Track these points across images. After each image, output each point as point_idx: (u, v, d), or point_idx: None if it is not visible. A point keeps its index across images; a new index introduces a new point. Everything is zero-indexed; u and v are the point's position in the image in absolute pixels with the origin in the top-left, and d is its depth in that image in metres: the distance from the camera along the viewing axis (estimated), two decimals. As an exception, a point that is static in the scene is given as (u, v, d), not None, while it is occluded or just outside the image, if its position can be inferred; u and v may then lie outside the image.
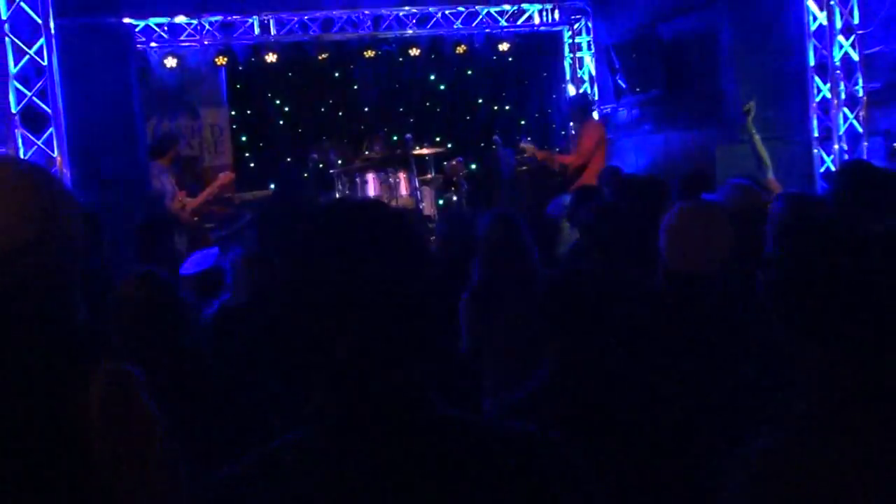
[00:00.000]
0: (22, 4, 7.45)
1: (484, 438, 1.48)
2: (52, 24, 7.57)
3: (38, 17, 7.50)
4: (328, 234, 1.44)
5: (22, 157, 7.43)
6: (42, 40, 7.52)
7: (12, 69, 7.48)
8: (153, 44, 11.53)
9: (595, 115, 11.23)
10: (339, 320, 1.39)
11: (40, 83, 7.55)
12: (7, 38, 7.46)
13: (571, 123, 10.84)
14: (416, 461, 1.41)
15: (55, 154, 7.53)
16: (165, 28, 11.52)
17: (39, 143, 7.53)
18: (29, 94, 7.53)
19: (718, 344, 3.07)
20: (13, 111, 7.48)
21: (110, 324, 2.90)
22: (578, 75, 13.10)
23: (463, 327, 3.88)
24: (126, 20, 10.29)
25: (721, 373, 3.00)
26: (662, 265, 3.34)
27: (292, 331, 1.43)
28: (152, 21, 11.33)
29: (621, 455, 2.46)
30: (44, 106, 7.56)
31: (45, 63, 7.53)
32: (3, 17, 7.43)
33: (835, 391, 1.72)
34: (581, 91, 12.87)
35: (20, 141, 7.49)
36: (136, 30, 10.76)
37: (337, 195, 10.83)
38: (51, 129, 7.56)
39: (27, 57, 7.52)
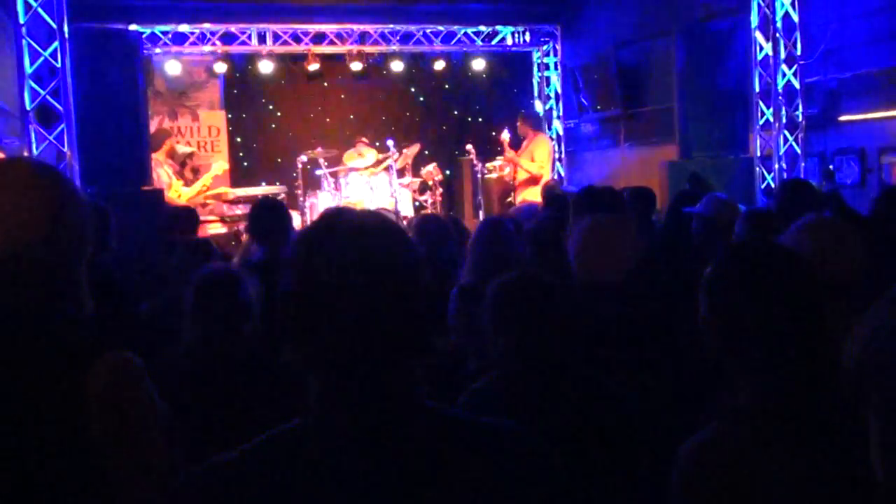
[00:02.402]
0: (39, 10, 7.34)
1: (463, 431, 1.46)
2: (66, 29, 7.46)
3: (54, 21, 7.39)
4: (328, 242, 1.40)
5: (34, 150, 7.34)
6: (56, 43, 7.42)
7: (28, 69, 7.38)
8: (158, 49, 11.45)
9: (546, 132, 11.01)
10: (337, 319, 1.35)
11: (54, 83, 7.44)
12: (24, 41, 7.35)
13: (519, 131, 10.49)
14: (403, 453, 1.38)
15: (65, 149, 7.43)
16: (170, 36, 11.45)
17: (51, 137, 7.43)
18: (43, 92, 7.42)
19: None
20: (28, 108, 7.38)
21: (184, 316, 2.97)
22: (545, 92, 13.14)
23: (449, 321, 3.83)
24: (134, 27, 10.20)
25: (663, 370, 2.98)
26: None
27: (293, 331, 1.39)
28: (158, 29, 11.25)
29: (567, 450, 2.44)
30: (56, 104, 7.45)
31: (59, 64, 7.43)
32: (22, 21, 7.33)
33: (761, 393, 1.72)
34: (547, 107, 12.91)
35: (34, 136, 7.40)
36: (143, 36, 10.62)
37: (322, 193, 10.79)
38: (62, 126, 7.46)
39: (42, 58, 7.41)
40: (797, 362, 1.71)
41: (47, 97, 7.44)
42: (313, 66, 12.08)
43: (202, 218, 9.72)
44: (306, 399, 1.41)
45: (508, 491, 1.42)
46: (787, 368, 1.71)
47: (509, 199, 10.30)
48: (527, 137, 10.19)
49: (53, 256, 1.77)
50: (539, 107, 13.25)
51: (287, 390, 2.88)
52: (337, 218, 1.46)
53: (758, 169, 9.06)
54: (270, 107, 13.08)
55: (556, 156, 12.68)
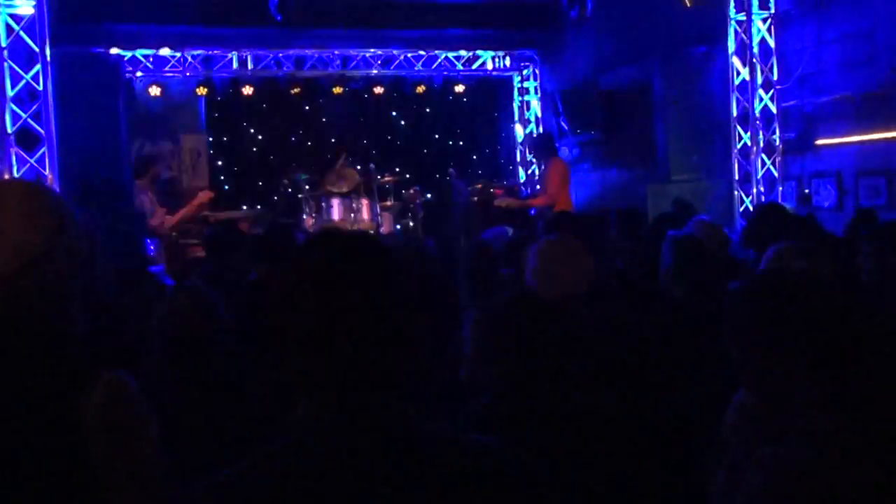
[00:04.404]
0: (21, 33, 7.35)
1: (453, 450, 1.48)
2: (48, 53, 7.46)
3: (36, 45, 7.39)
4: (318, 263, 1.43)
5: (15, 173, 7.32)
6: (38, 67, 7.41)
7: (9, 92, 7.37)
8: (139, 73, 11.48)
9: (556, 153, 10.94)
10: (326, 342, 1.38)
11: (35, 106, 7.43)
12: (5, 64, 7.34)
13: (533, 161, 10.78)
14: (392, 472, 1.40)
15: (47, 172, 7.41)
16: (151, 59, 11.49)
17: (32, 161, 7.40)
18: (24, 115, 7.41)
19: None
20: (9, 131, 7.36)
21: (155, 332, 2.95)
22: (526, 116, 13.25)
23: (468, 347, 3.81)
24: (115, 51, 10.22)
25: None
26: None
27: (281, 350, 1.42)
28: (139, 52, 11.29)
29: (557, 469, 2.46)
30: (38, 127, 7.44)
31: (41, 88, 7.42)
32: (3, 45, 7.32)
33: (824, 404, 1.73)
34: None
35: (14, 159, 7.36)
36: (125, 60, 10.65)
37: (304, 217, 10.79)
38: (43, 149, 7.44)
39: (23, 81, 7.40)
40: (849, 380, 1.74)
41: (28, 120, 7.42)
42: (294, 90, 12.14)
43: (182, 241, 9.71)
44: (286, 417, 1.43)
45: None
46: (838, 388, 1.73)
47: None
48: (543, 164, 10.21)
49: (51, 275, 1.79)
50: (520, 130, 13.36)
51: (255, 410, 2.91)
52: (325, 240, 1.49)
53: (736, 192, 9.16)
54: (252, 130, 13.09)
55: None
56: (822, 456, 1.66)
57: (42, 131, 7.44)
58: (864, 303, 2.70)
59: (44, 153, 7.44)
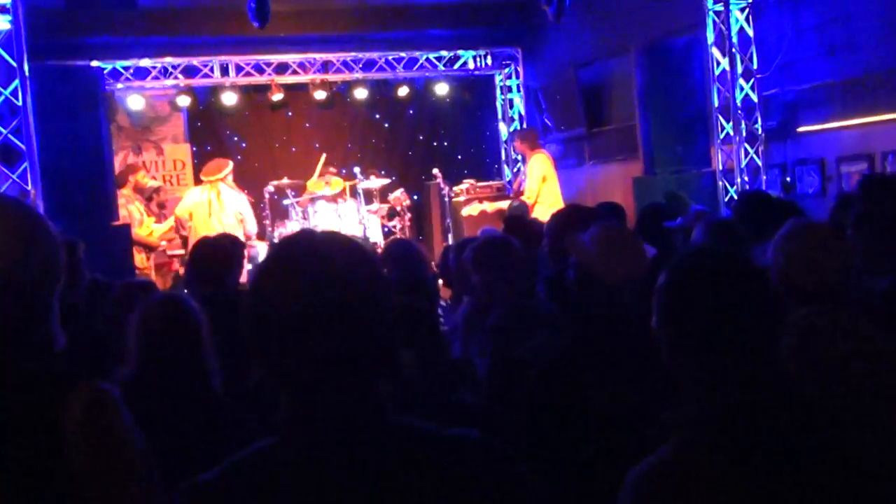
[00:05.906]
0: (-2, 49, 7.33)
1: (430, 444, 1.49)
2: (26, 67, 7.42)
3: (14, 60, 7.35)
4: (292, 262, 1.44)
5: (-3, 190, 7.29)
6: (17, 82, 7.37)
7: (-11, 108, 7.35)
8: (120, 85, 11.46)
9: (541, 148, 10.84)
10: (302, 341, 1.39)
11: (15, 122, 7.38)
12: (-16, 80, 7.32)
13: (518, 155, 10.81)
14: (371, 467, 1.41)
15: (29, 187, 7.37)
16: (131, 70, 11.48)
17: (14, 176, 7.36)
18: (4, 131, 7.36)
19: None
20: (-11, 148, 7.33)
21: (132, 340, 2.91)
22: (509, 114, 13.26)
23: (460, 338, 3.82)
24: (95, 63, 10.20)
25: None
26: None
27: (259, 350, 1.43)
28: (119, 64, 11.29)
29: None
30: (18, 143, 7.40)
31: (20, 103, 7.37)
32: (-20, 62, 7.30)
33: (713, 411, 1.69)
34: (511, 129, 12.98)
35: (-5, 175, 7.34)
36: (105, 72, 10.62)
37: (290, 223, 10.79)
38: (25, 164, 7.39)
39: (2, 97, 7.35)
40: (745, 372, 1.69)
41: (9, 136, 7.38)
42: (277, 96, 12.14)
43: (169, 253, 9.70)
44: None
45: (478, 501, 1.45)
46: (734, 378, 1.69)
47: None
48: (526, 158, 10.18)
49: (27, 285, 1.78)
50: (503, 129, 13.38)
51: (225, 420, 2.88)
52: (294, 243, 1.50)
53: (721, 182, 9.17)
54: (235, 138, 13.06)
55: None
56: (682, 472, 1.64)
57: (23, 146, 7.40)
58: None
59: (25, 168, 7.40)
